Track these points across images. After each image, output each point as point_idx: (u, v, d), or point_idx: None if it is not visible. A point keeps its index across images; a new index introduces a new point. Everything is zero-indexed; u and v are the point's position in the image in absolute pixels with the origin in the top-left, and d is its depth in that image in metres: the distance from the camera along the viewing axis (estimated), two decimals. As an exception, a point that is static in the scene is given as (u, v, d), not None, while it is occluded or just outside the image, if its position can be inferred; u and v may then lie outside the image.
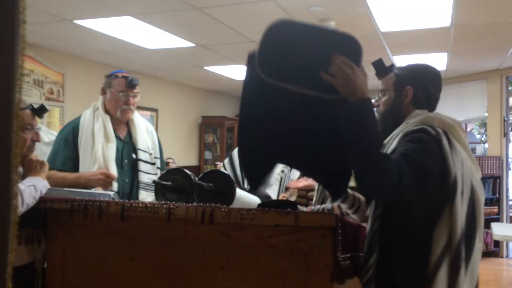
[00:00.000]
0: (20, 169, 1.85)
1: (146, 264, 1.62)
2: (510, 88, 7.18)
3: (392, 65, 1.72)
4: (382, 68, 1.71)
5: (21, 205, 1.62)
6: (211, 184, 1.82)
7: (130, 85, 2.45)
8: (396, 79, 1.68)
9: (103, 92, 2.45)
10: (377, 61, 1.71)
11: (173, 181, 1.86)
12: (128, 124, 2.49)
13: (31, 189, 1.69)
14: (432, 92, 1.66)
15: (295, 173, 2.90)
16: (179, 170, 1.94)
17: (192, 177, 1.87)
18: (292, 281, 1.42)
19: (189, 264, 1.55)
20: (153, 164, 2.51)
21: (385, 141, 1.58)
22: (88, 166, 2.28)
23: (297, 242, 1.42)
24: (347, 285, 1.48)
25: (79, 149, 2.30)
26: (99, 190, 2.11)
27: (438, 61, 5.94)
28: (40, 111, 1.88)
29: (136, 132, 2.49)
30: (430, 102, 1.65)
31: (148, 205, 1.62)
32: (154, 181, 1.92)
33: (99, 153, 2.30)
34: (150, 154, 2.52)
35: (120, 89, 2.41)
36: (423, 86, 1.64)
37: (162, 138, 9.53)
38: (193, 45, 5.30)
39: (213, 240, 1.52)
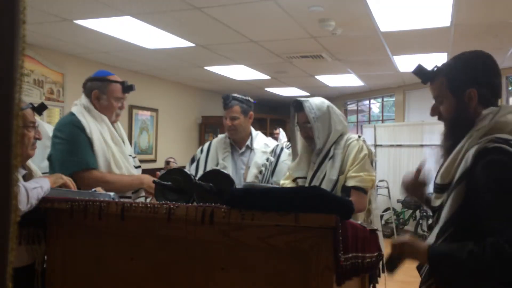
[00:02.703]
0: (22, 170, 1.86)
1: (146, 264, 1.61)
2: (510, 88, 7.17)
3: (436, 68, 1.54)
4: (425, 74, 1.56)
5: (26, 204, 1.62)
6: (211, 184, 1.82)
7: (127, 90, 2.39)
8: (449, 82, 1.50)
9: (95, 97, 2.33)
10: (417, 69, 1.57)
11: (173, 181, 1.86)
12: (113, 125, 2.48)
13: (38, 190, 1.69)
14: (495, 82, 1.49)
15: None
16: (179, 170, 1.94)
17: (192, 177, 1.87)
18: (292, 281, 1.42)
19: (189, 264, 1.55)
20: (137, 167, 2.54)
21: (454, 153, 1.44)
22: (106, 170, 2.27)
23: (297, 242, 1.41)
24: (347, 285, 1.48)
25: (95, 150, 2.24)
26: (99, 190, 2.11)
27: (438, 61, 5.94)
28: (40, 108, 1.92)
29: (123, 136, 2.49)
30: (495, 94, 1.49)
31: (148, 205, 1.62)
32: (154, 181, 1.92)
33: (119, 161, 2.31)
34: (134, 157, 2.55)
35: (117, 95, 2.36)
36: (485, 82, 1.47)
37: (162, 138, 9.50)
38: (193, 45, 5.30)
39: (213, 240, 1.52)
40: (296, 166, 2.41)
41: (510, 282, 1.25)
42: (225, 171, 2.64)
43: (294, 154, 2.43)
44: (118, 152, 2.33)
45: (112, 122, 2.40)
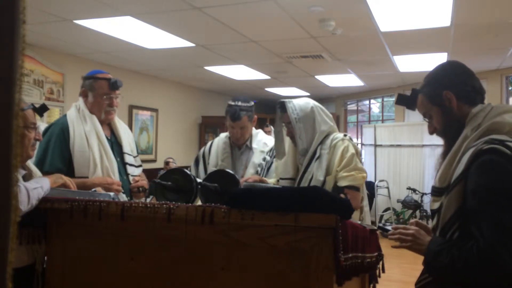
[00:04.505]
0: (21, 170, 1.86)
1: (146, 264, 1.61)
2: (510, 88, 7.18)
3: (414, 89, 1.63)
4: (408, 100, 1.64)
5: (26, 204, 1.62)
6: (216, 185, 1.81)
7: (114, 87, 2.40)
8: (427, 96, 1.57)
9: (84, 94, 2.39)
10: (399, 98, 1.68)
11: (173, 181, 1.86)
12: (110, 124, 2.48)
13: (39, 190, 1.69)
14: (469, 81, 1.52)
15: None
16: (179, 170, 1.94)
17: (192, 177, 1.87)
18: (292, 281, 1.42)
19: (189, 264, 1.55)
20: (138, 166, 2.55)
21: (449, 155, 1.45)
22: (86, 169, 2.26)
23: (297, 242, 1.41)
24: (347, 285, 1.48)
25: (74, 150, 2.26)
26: (99, 191, 2.12)
27: (438, 61, 5.93)
28: (41, 109, 1.92)
29: (120, 135, 2.49)
30: (477, 91, 1.52)
31: (148, 205, 1.62)
32: (154, 181, 1.92)
33: (97, 159, 2.29)
34: (135, 156, 2.55)
35: (103, 91, 2.37)
36: (459, 82, 1.52)
37: (162, 138, 9.49)
38: (193, 45, 5.30)
39: (213, 240, 1.52)
40: (283, 167, 2.42)
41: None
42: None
43: (278, 154, 2.44)
44: (100, 154, 2.32)
45: (104, 121, 2.40)
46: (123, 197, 2.34)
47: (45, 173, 2.13)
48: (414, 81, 7.86)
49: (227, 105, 2.70)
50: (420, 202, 7.11)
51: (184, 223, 1.55)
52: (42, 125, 2.75)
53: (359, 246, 1.53)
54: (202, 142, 9.17)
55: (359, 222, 1.91)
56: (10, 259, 0.52)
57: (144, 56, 5.94)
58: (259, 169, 2.64)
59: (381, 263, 1.75)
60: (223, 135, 2.83)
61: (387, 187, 7.65)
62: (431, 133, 1.61)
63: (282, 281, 1.43)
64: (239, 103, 2.65)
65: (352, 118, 11.87)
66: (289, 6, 3.87)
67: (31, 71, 5.37)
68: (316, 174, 2.23)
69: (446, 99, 1.51)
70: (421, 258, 1.46)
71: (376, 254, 1.69)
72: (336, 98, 10.55)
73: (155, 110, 7.84)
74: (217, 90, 9.41)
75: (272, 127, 7.91)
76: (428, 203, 6.91)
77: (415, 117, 8.37)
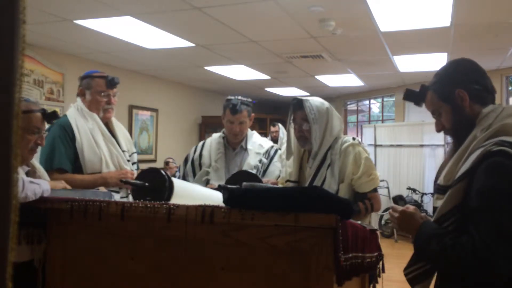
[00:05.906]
0: (25, 167, 1.87)
1: (146, 264, 1.61)
2: (510, 88, 7.18)
3: (423, 86, 1.59)
4: (416, 95, 1.62)
5: (20, 192, 1.61)
6: (237, 186, 1.79)
7: (111, 84, 2.42)
8: (438, 93, 1.54)
9: (82, 93, 2.41)
10: (407, 94, 1.65)
11: (148, 181, 1.81)
12: (107, 124, 2.49)
13: (35, 185, 1.69)
14: (481, 80, 1.51)
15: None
16: (153, 170, 1.87)
17: (166, 177, 1.78)
18: (292, 281, 1.42)
19: (189, 264, 1.55)
20: (133, 164, 2.59)
21: (457, 154, 1.44)
22: (97, 165, 2.29)
23: (297, 242, 1.41)
24: (347, 285, 1.48)
25: (82, 147, 2.27)
26: (101, 189, 2.13)
27: (438, 61, 5.94)
28: (51, 116, 1.92)
29: (116, 133, 2.51)
30: (488, 90, 1.50)
31: (148, 205, 1.62)
32: (121, 181, 1.91)
33: (107, 154, 2.32)
34: (130, 155, 2.57)
35: (101, 89, 2.40)
36: (471, 81, 1.50)
37: (162, 138, 9.47)
38: (193, 45, 5.30)
39: (213, 240, 1.52)
40: (289, 169, 2.38)
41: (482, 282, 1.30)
42: (217, 173, 2.61)
43: (289, 153, 2.39)
44: (109, 149, 2.36)
45: (102, 119, 2.41)
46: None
47: (54, 170, 2.18)
48: (414, 81, 7.86)
49: (225, 101, 2.70)
50: (420, 202, 7.11)
51: (184, 223, 1.55)
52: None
53: (359, 246, 1.53)
54: (202, 142, 9.17)
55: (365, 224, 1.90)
56: (10, 259, 0.52)
57: (144, 56, 5.94)
58: (254, 170, 2.58)
59: (381, 263, 1.75)
60: (216, 135, 2.80)
61: (387, 187, 7.65)
62: (438, 130, 1.59)
63: (282, 281, 1.43)
64: (239, 97, 2.68)
65: (352, 118, 11.87)
66: (289, 6, 3.87)
67: (31, 71, 5.38)
68: (330, 182, 2.20)
69: (458, 97, 1.49)
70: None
71: (376, 254, 1.69)
72: (336, 98, 10.55)
73: (155, 110, 7.84)
74: (217, 90, 9.41)
75: (280, 126, 7.65)
76: (428, 203, 6.91)
77: (415, 117, 8.38)
